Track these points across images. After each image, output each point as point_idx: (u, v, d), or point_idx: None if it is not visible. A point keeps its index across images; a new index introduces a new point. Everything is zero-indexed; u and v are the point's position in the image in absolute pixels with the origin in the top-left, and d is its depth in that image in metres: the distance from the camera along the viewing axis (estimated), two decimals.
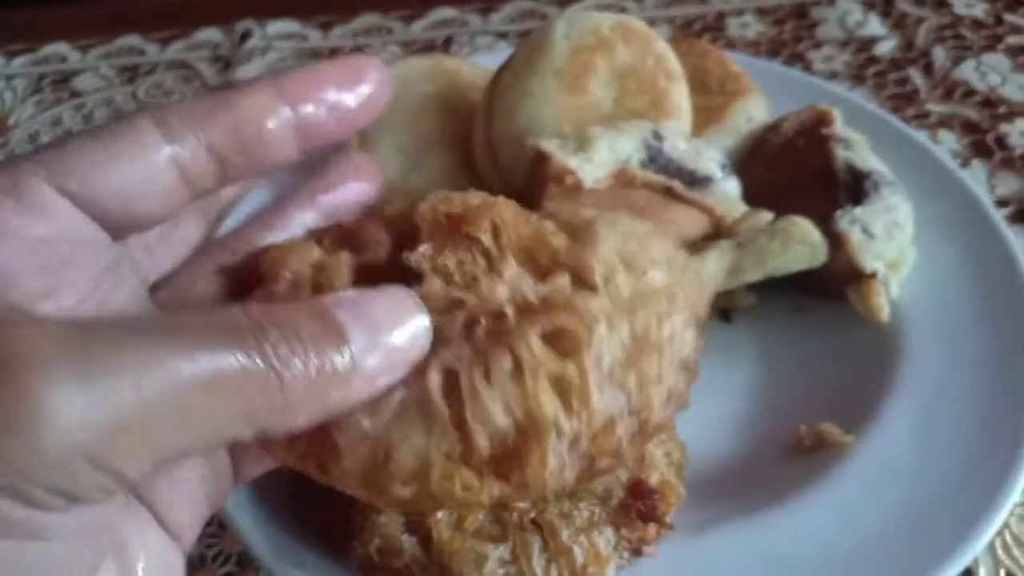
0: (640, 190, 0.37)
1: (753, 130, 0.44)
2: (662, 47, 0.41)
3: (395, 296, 0.21)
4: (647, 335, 0.23)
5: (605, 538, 0.28)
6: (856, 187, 0.39)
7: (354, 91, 0.23)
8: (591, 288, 0.22)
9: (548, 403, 0.21)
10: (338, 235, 0.24)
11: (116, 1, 0.71)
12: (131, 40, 0.67)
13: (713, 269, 0.37)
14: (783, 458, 0.35)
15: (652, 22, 0.56)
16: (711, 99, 0.44)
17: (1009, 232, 0.39)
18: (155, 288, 0.25)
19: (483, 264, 0.22)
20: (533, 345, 0.21)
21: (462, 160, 0.42)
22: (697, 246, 0.37)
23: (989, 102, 0.54)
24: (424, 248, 0.22)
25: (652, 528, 0.29)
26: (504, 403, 0.21)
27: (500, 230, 0.22)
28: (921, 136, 0.47)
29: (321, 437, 0.21)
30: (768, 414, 0.36)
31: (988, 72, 0.56)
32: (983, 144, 0.51)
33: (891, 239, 0.38)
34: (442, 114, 0.44)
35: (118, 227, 0.22)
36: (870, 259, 0.37)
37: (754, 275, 0.37)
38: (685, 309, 0.24)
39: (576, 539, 0.28)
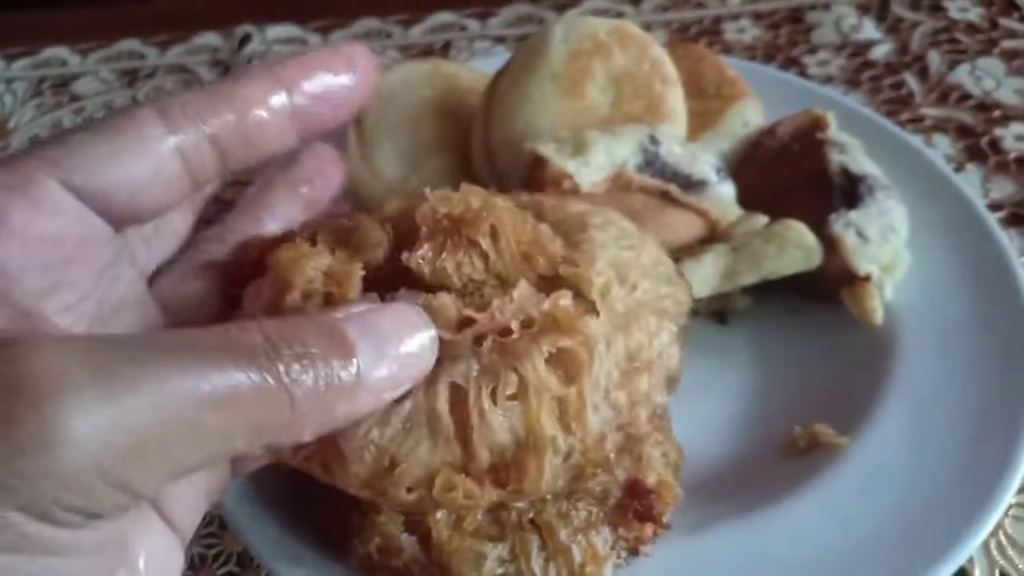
0: (636, 194, 0.37)
1: (749, 134, 0.44)
2: (658, 52, 0.42)
3: (403, 312, 0.21)
4: (639, 354, 0.23)
5: (603, 538, 0.29)
6: (851, 191, 0.39)
7: (347, 77, 0.24)
8: (589, 302, 0.23)
9: (549, 424, 0.22)
10: (335, 233, 0.24)
11: (116, 5, 0.71)
12: (131, 44, 0.68)
13: (708, 272, 0.37)
14: (778, 459, 0.35)
15: (648, 27, 0.56)
16: (707, 103, 0.44)
17: (1003, 235, 0.40)
18: (154, 278, 0.25)
19: (480, 266, 0.23)
20: (538, 367, 0.22)
21: (460, 163, 0.43)
22: (693, 249, 0.38)
23: (984, 106, 0.54)
24: (423, 250, 0.23)
25: (649, 528, 0.29)
26: (508, 422, 0.22)
27: (499, 234, 0.23)
28: (915, 140, 0.47)
29: (327, 443, 0.21)
30: (763, 415, 0.37)
31: (983, 76, 0.56)
32: (977, 148, 0.51)
33: (885, 242, 0.38)
34: (441, 118, 0.45)
35: (122, 220, 0.22)
36: (864, 262, 0.37)
37: (749, 278, 0.37)
38: (673, 322, 0.25)
39: (574, 539, 0.28)
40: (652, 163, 0.39)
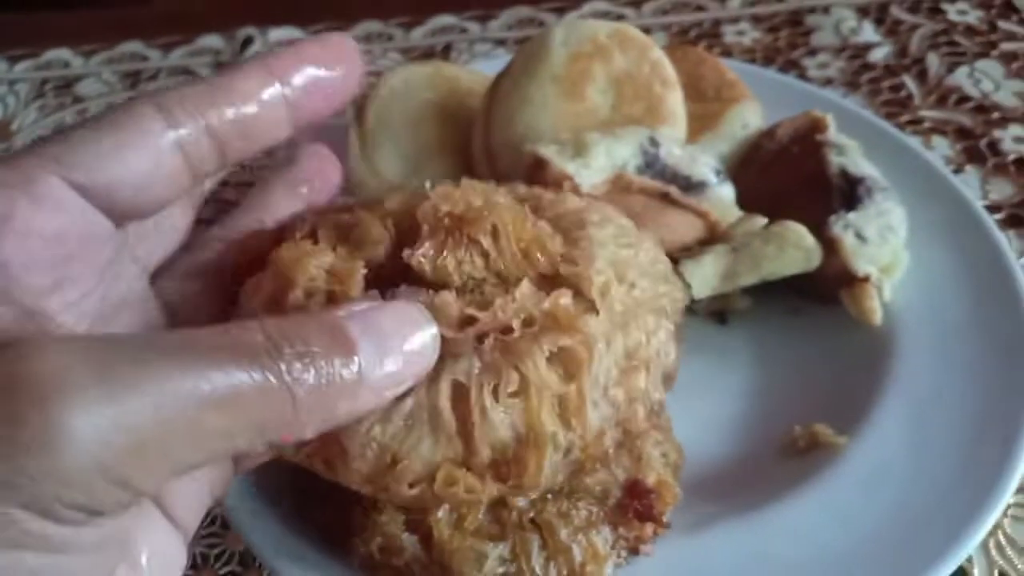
0: (636, 195, 0.38)
1: (748, 136, 0.44)
2: (658, 54, 0.42)
3: (406, 310, 0.21)
4: (637, 352, 0.24)
5: (603, 537, 0.29)
6: (850, 192, 0.39)
7: (337, 68, 0.24)
8: (589, 301, 0.23)
9: (549, 421, 0.22)
10: (336, 229, 0.24)
11: (119, 7, 0.71)
12: (133, 46, 0.68)
13: (708, 273, 0.37)
14: (778, 459, 0.35)
15: (648, 30, 0.56)
16: (706, 106, 0.44)
17: (1002, 236, 0.40)
18: (156, 276, 0.25)
19: (480, 264, 0.23)
20: (540, 366, 0.22)
21: (461, 165, 0.43)
22: (693, 250, 0.38)
23: (982, 108, 0.54)
24: (425, 248, 0.23)
25: (649, 527, 0.29)
26: (509, 418, 0.22)
27: (499, 232, 0.23)
28: (914, 142, 0.47)
29: (330, 440, 0.21)
30: (763, 415, 0.37)
31: (982, 78, 0.56)
32: (976, 150, 0.52)
33: (884, 243, 0.38)
34: (442, 120, 0.45)
35: (123, 216, 0.22)
36: (863, 263, 0.38)
37: (749, 279, 0.37)
38: (669, 320, 0.25)
39: (574, 538, 0.28)
40: (652, 165, 0.39)
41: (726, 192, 0.41)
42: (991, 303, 0.37)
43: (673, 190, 0.39)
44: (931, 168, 0.43)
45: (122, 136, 0.21)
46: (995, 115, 0.54)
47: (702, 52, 0.48)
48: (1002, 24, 0.61)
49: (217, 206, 0.52)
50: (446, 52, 0.64)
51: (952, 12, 0.62)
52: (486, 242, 0.23)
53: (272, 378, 0.18)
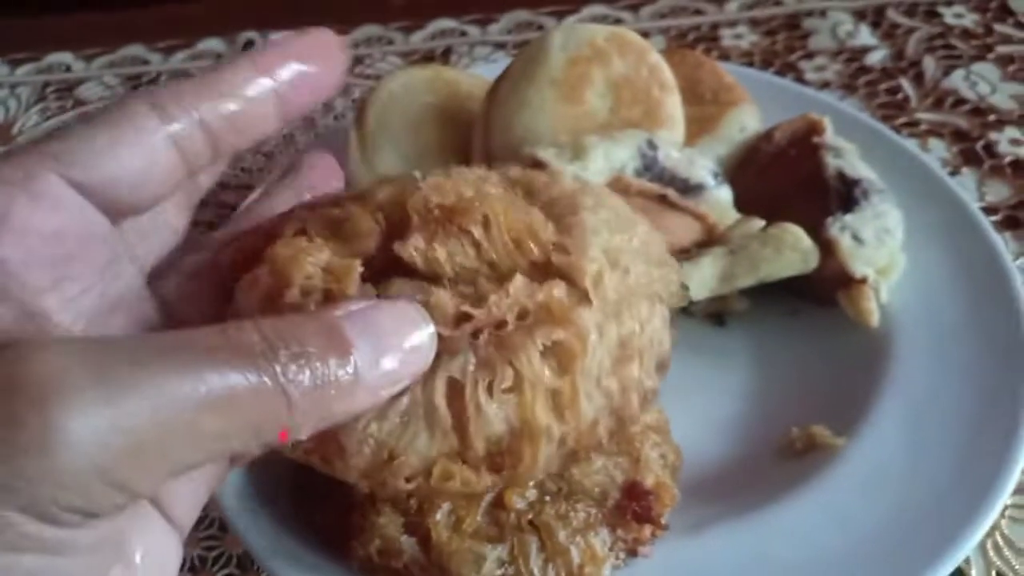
0: (635, 198, 0.38)
1: (745, 139, 0.44)
2: (656, 58, 0.42)
3: (402, 309, 0.21)
4: (631, 341, 0.24)
5: (601, 539, 0.29)
6: (846, 194, 0.39)
7: (322, 61, 0.24)
8: (582, 291, 0.23)
9: (543, 415, 0.22)
10: (323, 224, 0.24)
11: (120, 11, 0.72)
12: (135, 50, 0.68)
13: (706, 275, 0.37)
14: (776, 460, 0.35)
15: (646, 33, 0.57)
16: (704, 109, 0.45)
17: (998, 238, 0.40)
18: (156, 277, 0.25)
19: (472, 254, 0.23)
20: (533, 361, 0.22)
21: None
22: (690, 253, 0.38)
23: (979, 111, 0.54)
24: (416, 240, 0.23)
25: (647, 529, 0.30)
26: (503, 414, 0.22)
27: (491, 223, 0.23)
28: (910, 144, 0.48)
29: (327, 437, 0.21)
30: (761, 417, 0.37)
31: (978, 81, 0.57)
32: (973, 152, 0.52)
33: (881, 245, 0.38)
34: (442, 123, 0.45)
35: (120, 212, 0.22)
36: (860, 265, 0.38)
37: (747, 281, 0.38)
38: (664, 306, 0.25)
39: (573, 540, 0.28)
40: (650, 167, 0.40)
41: (724, 194, 0.41)
42: (988, 305, 0.38)
43: (671, 193, 0.39)
44: (928, 170, 0.43)
45: (117, 133, 0.21)
46: (991, 118, 0.54)
47: (700, 56, 0.48)
48: (998, 27, 0.61)
49: (217, 209, 0.52)
50: (446, 56, 0.64)
51: (948, 15, 0.63)
52: (477, 232, 0.23)
53: (268, 380, 0.18)
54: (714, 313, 0.41)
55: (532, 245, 0.23)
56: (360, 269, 0.22)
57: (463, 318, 0.21)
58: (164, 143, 0.22)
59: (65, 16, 0.72)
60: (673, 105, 0.42)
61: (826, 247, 0.38)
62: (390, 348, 0.20)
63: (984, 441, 0.33)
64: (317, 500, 0.31)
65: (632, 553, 0.30)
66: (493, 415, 0.22)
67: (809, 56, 0.60)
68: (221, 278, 0.25)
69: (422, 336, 0.21)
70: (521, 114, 0.40)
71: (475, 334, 0.22)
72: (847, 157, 0.41)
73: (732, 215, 0.41)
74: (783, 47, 0.61)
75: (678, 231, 0.38)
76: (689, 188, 0.40)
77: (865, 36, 0.62)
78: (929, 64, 0.59)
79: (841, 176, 0.40)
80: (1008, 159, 0.51)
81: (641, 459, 0.31)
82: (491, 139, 0.41)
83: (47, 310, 0.21)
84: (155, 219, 0.25)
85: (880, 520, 0.31)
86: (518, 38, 0.65)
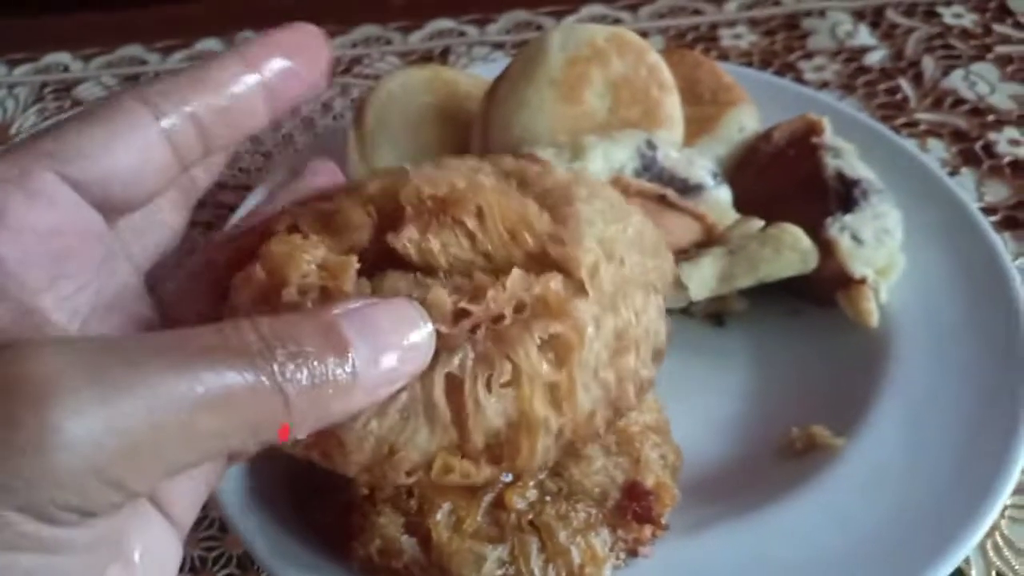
0: (634, 198, 0.38)
1: (744, 139, 0.44)
2: (655, 58, 0.42)
3: (400, 308, 0.21)
4: (627, 332, 0.24)
5: (602, 539, 0.29)
6: (846, 195, 0.39)
7: (307, 55, 0.25)
8: (578, 282, 0.23)
9: (541, 408, 0.22)
10: (315, 219, 0.24)
11: (118, 11, 0.72)
12: (133, 50, 0.68)
13: (705, 275, 0.37)
14: (775, 460, 0.35)
15: (645, 33, 0.57)
16: (703, 109, 0.45)
17: (997, 238, 0.40)
18: (153, 277, 0.25)
19: (467, 246, 0.23)
20: (531, 354, 0.22)
21: None
22: (690, 253, 0.38)
23: (978, 111, 0.55)
24: (409, 232, 0.22)
25: (648, 529, 0.30)
26: (502, 407, 0.22)
27: (485, 213, 0.23)
28: (909, 144, 0.48)
29: (327, 433, 0.21)
30: (760, 417, 0.37)
31: (977, 81, 0.57)
32: (972, 152, 0.52)
33: (880, 246, 0.38)
34: (440, 123, 0.45)
35: (116, 209, 0.23)
36: (860, 265, 0.38)
37: (746, 281, 0.38)
38: (659, 295, 0.25)
39: (573, 540, 0.28)
40: (649, 168, 0.40)
41: (723, 195, 0.41)
42: (987, 305, 0.38)
43: (670, 193, 0.39)
44: (927, 170, 0.43)
45: (111, 129, 0.21)
46: (990, 118, 0.54)
47: (699, 56, 0.48)
48: (997, 27, 0.61)
49: (215, 210, 0.52)
50: (444, 56, 0.64)
51: (947, 15, 0.63)
52: (471, 223, 0.23)
53: (265, 379, 0.18)
54: (713, 313, 0.41)
55: (527, 235, 0.23)
56: (356, 265, 0.22)
57: (461, 314, 0.21)
58: (157, 138, 0.22)
59: (63, 16, 0.72)
60: (672, 105, 0.42)
61: (825, 247, 0.38)
62: (388, 347, 0.20)
63: (984, 441, 0.33)
64: (317, 500, 0.31)
65: (632, 553, 0.30)
66: (492, 409, 0.22)
67: (808, 56, 0.60)
68: (217, 277, 0.25)
69: (420, 335, 0.21)
70: (520, 114, 0.40)
71: (473, 329, 0.22)
72: (846, 157, 0.41)
73: (731, 215, 0.41)
74: (782, 47, 0.61)
75: (677, 231, 0.38)
76: (688, 188, 0.40)
77: (864, 36, 0.62)
78: (928, 64, 0.59)
79: (840, 176, 0.40)
80: (1007, 159, 0.51)
81: (641, 459, 0.31)
82: (490, 139, 0.41)
83: (44, 308, 0.21)
84: (151, 217, 0.25)
85: (880, 520, 0.31)
86: (516, 38, 0.65)
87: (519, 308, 0.22)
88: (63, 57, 0.68)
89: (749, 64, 0.60)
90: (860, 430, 0.34)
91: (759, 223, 0.39)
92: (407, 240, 0.22)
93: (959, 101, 0.56)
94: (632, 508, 0.30)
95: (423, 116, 0.45)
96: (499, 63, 0.48)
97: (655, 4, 0.67)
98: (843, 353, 0.38)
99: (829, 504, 0.32)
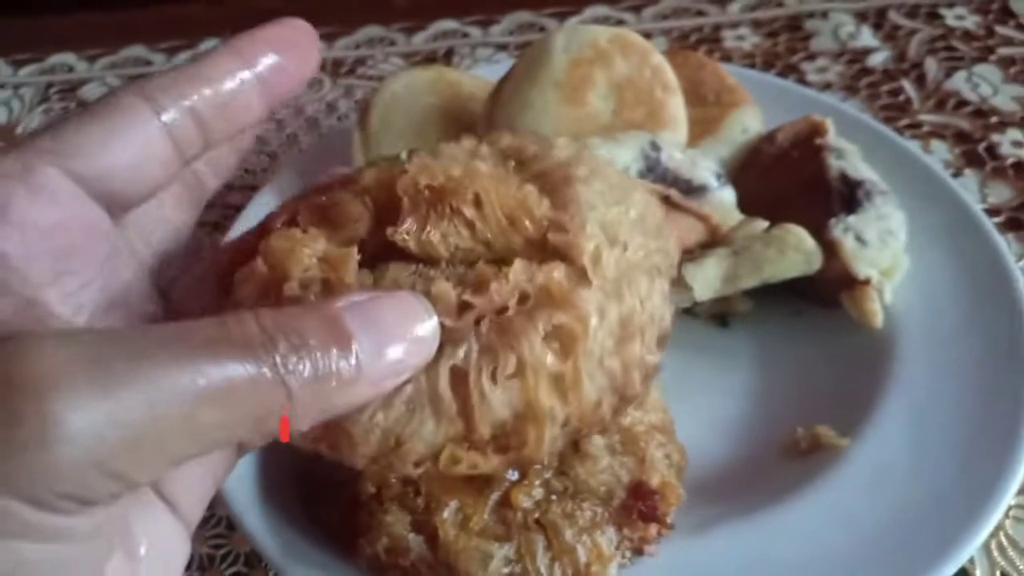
0: None
1: (748, 141, 0.45)
2: (659, 60, 0.42)
3: (405, 301, 0.21)
4: (631, 320, 0.23)
5: (607, 538, 0.29)
6: (849, 196, 0.40)
7: (298, 49, 0.25)
8: (580, 270, 0.23)
9: (546, 398, 0.22)
10: (313, 212, 0.24)
11: (122, 11, 0.72)
12: (137, 50, 0.68)
13: (709, 276, 0.37)
14: (780, 460, 0.35)
15: (648, 35, 0.57)
16: (707, 110, 0.45)
17: (1000, 239, 0.40)
18: (165, 279, 0.25)
19: (466, 234, 0.22)
20: (535, 346, 0.22)
21: None
22: (694, 254, 0.38)
23: (981, 112, 0.55)
24: (408, 224, 0.22)
25: (653, 528, 0.30)
26: (507, 398, 0.22)
27: (483, 201, 0.23)
28: (913, 146, 0.48)
29: (333, 426, 0.21)
30: (765, 417, 0.37)
31: (980, 83, 0.57)
32: (975, 154, 0.52)
33: (884, 247, 0.39)
34: (444, 124, 0.45)
35: (118, 204, 0.23)
36: (864, 266, 0.38)
37: (750, 282, 0.38)
38: (663, 279, 0.25)
39: (579, 539, 0.29)
40: (653, 169, 0.40)
41: (727, 196, 0.41)
42: (990, 306, 0.38)
43: (674, 194, 0.39)
44: (930, 172, 0.44)
45: (111, 124, 0.22)
46: (993, 119, 0.54)
47: (702, 57, 0.49)
48: (999, 29, 0.61)
49: (223, 210, 0.52)
50: (448, 56, 0.64)
51: (950, 17, 0.63)
52: (469, 212, 0.22)
53: (267, 371, 0.18)
54: (718, 314, 0.41)
55: (527, 222, 0.23)
56: (357, 257, 0.22)
57: (465, 307, 0.21)
58: (157, 132, 0.22)
59: (68, 17, 0.72)
60: (676, 106, 0.42)
61: (829, 248, 0.38)
62: (393, 340, 0.20)
63: (988, 442, 0.33)
64: (324, 498, 0.31)
65: (638, 552, 0.30)
66: (497, 401, 0.22)
67: (811, 57, 0.61)
68: (220, 275, 0.25)
69: (425, 329, 0.21)
70: (524, 116, 0.40)
71: (477, 321, 0.22)
72: (849, 159, 0.41)
73: (735, 216, 0.41)
74: (785, 48, 0.62)
75: (681, 232, 0.38)
76: (692, 189, 0.40)
77: (867, 38, 0.62)
78: (931, 66, 0.59)
79: (844, 178, 0.40)
80: (1010, 161, 0.51)
81: (646, 459, 0.31)
82: None
83: (48, 304, 0.21)
84: (157, 216, 0.25)
85: (884, 520, 0.31)
86: (520, 39, 0.65)
87: (522, 299, 0.22)
88: (68, 58, 0.68)
89: (752, 65, 0.60)
90: (864, 430, 0.35)
91: (763, 224, 0.39)
92: (406, 233, 0.22)
93: (962, 103, 0.56)
94: (637, 507, 0.30)
95: (427, 117, 0.45)
96: (503, 64, 0.49)
97: (658, 5, 0.67)
98: (847, 354, 0.38)
99: (833, 504, 0.32)
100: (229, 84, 0.23)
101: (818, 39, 0.62)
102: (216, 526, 0.37)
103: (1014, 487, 0.31)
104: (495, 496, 0.28)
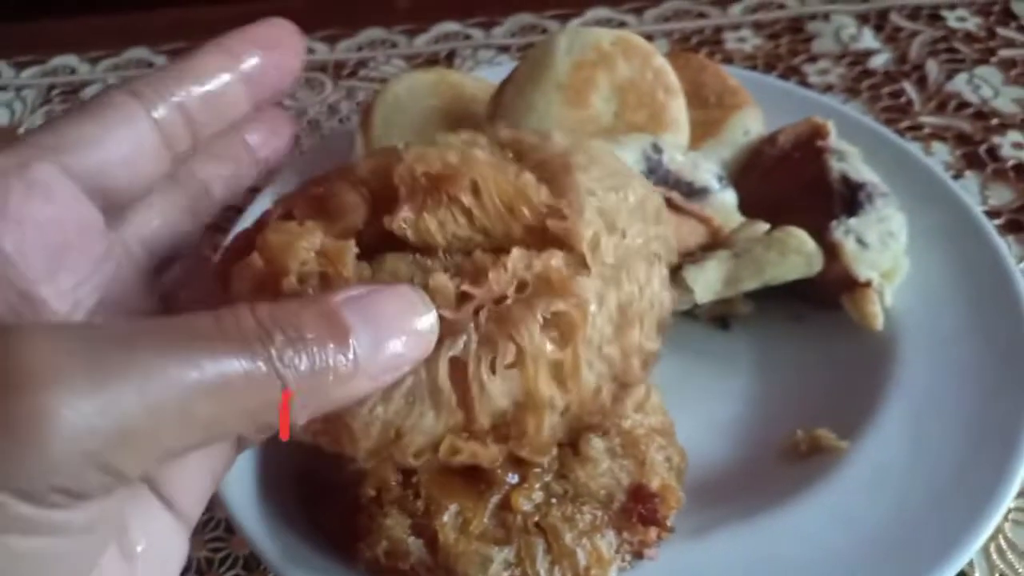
0: None
1: (750, 143, 0.45)
2: (661, 62, 0.42)
3: (403, 294, 0.21)
4: (630, 307, 0.23)
5: (607, 541, 0.29)
6: (850, 198, 0.40)
7: (284, 48, 0.26)
8: (579, 258, 0.22)
9: (546, 387, 0.22)
10: (308, 204, 0.24)
11: (124, 14, 0.72)
12: (139, 52, 0.69)
13: (710, 278, 0.37)
14: (780, 463, 0.35)
15: (650, 37, 0.57)
16: (708, 112, 0.45)
17: (1001, 242, 0.40)
18: (166, 287, 0.25)
19: (464, 222, 0.22)
20: (534, 334, 0.22)
21: None
22: (695, 256, 0.38)
23: (982, 114, 0.55)
24: (405, 212, 0.22)
25: (653, 531, 0.30)
26: (507, 388, 0.22)
27: (480, 189, 0.22)
28: (914, 148, 0.48)
29: (334, 419, 0.21)
30: (765, 420, 0.37)
31: (981, 85, 0.57)
32: (976, 156, 0.52)
33: (885, 249, 0.39)
34: (446, 126, 0.45)
35: (112, 202, 0.23)
36: (864, 268, 0.38)
37: (751, 284, 0.38)
38: (662, 266, 0.25)
39: (579, 542, 0.29)
40: (655, 171, 0.40)
41: (728, 198, 0.41)
42: (991, 308, 0.38)
43: (676, 196, 0.39)
44: (931, 174, 0.44)
45: (104, 121, 0.22)
46: (994, 121, 0.54)
47: (704, 59, 0.49)
48: (1001, 31, 0.61)
49: (224, 212, 0.52)
50: (450, 58, 0.64)
51: (951, 19, 0.63)
52: (467, 199, 0.22)
53: (263, 364, 0.18)
54: (718, 316, 0.41)
55: (525, 209, 0.22)
56: (355, 250, 0.22)
57: (464, 298, 0.21)
58: (148, 128, 0.23)
59: (70, 19, 0.72)
60: (678, 109, 0.42)
61: (830, 250, 0.38)
62: (391, 334, 0.20)
63: (987, 444, 0.33)
64: (324, 501, 0.31)
65: (638, 555, 0.30)
66: (497, 391, 0.22)
67: (812, 59, 0.61)
68: (220, 274, 0.25)
69: (424, 323, 0.21)
70: (526, 118, 0.41)
71: (475, 311, 0.21)
72: (851, 161, 0.41)
73: (736, 218, 0.41)
74: (786, 50, 0.62)
75: (683, 234, 0.38)
76: (694, 191, 0.40)
77: (868, 40, 0.62)
78: (932, 68, 0.59)
79: (845, 180, 0.40)
80: (1011, 163, 0.51)
81: (646, 462, 0.31)
82: None
83: (43, 298, 0.21)
84: (155, 221, 0.25)
85: (884, 523, 0.31)
86: (522, 41, 0.65)
87: (521, 287, 0.22)
88: (70, 59, 0.68)
89: (754, 67, 0.60)
90: (864, 433, 0.34)
91: (764, 226, 0.39)
92: (403, 221, 0.22)
93: (963, 105, 0.56)
94: (637, 510, 0.30)
95: (429, 119, 0.45)
96: (505, 66, 0.49)
97: (660, 7, 0.67)
98: (847, 356, 0.38)
99: (833, 507, 0.32)
100: (216, 82, 0.24)
101: (819, 41, 0.62)
102: (215, 529, 0.37)
103: (1013, 490, 0.31)
104: (495, 499, 0.28)
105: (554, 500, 0.29)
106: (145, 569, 0.21)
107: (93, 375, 0.17)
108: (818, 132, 0.43)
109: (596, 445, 0.30)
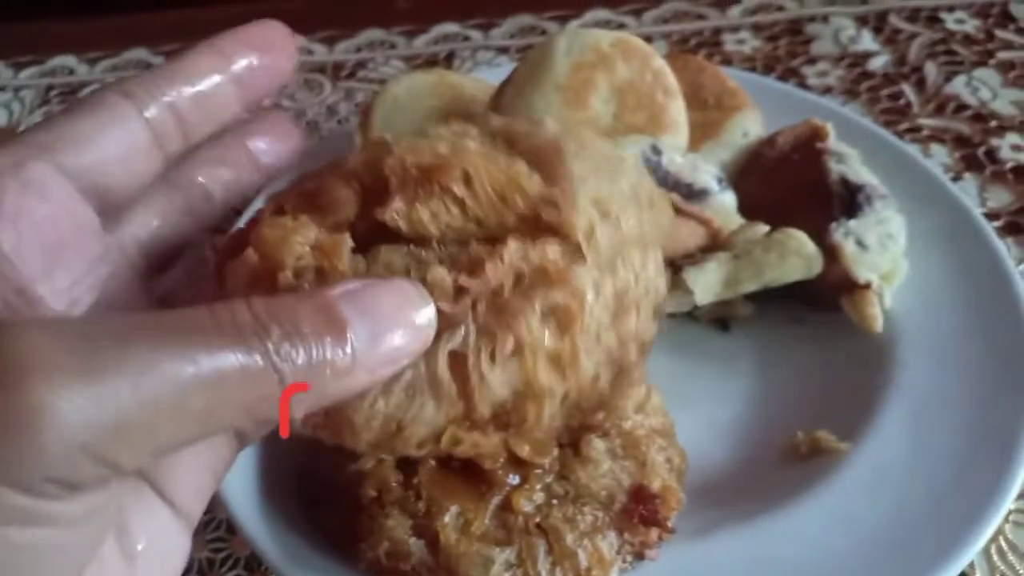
0: None
1: (749, 144, 0.45)
2: (660, 63, 0.42)
3: (401, 288, 0.21)
4: (627, 294, 0.23)
5: (608, 542, 0.29)
6: (850, 200, 0.40)
7: (275, 49, 0.26)
8: (574, 247, 0.22)
9: (545, 376, 0.22)
10: (300, 199, 0.23)
11: (123, 15, 0.72)
12: (138, 53, 0.68)
13: (710, 280, 0.38)
14: (780, 464, 0.35)
15: (649, 39, 0.57)
16: (708, 114, 0.45)
17: (1000, 243, 0.40)
18: (163, 289, 0.25)
19: (457, 212, 0.22)
20: (532, 325, 0.22)
21: None
22: (695, 257, 0.38)
23: (980, 116, 0.55)
24: (396, 203, 0.22)
25: (654, 532, 0.30)
26: (506, 378, 0.22)
27: (472, 178, 0.22)
28: (913, 150, 0.48)
29: (335, 413, 0.21)
30: (765, 421, 0.37)
31: (979, 87, 0.57)
32: (974, 158, 0.52)
33: (884, 251, 0.39)
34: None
35: (106, 201, 0.23)
36: (864, 270, 0.38)
37: (751, 286, 0.38)
38: (656, 251, 0.25)
39: (580, 543, 0.29)
40: (654, 172, 0.40)
41: (728, 200, 0.41)
42: (990, 310, 0.38)
43: (675, 198, 0.39)
44: (930, 176, 0.44)
45: (97, 122, 0.22)
46: (993, 123, 0.54)
47: (703, 61, 0.49)
48: (999, 33, 0.62)
49: (227, 216, 0.52)
50: (449, 60, 0.64)
51: (950, 21, 0.63)
52: (459, 189, 0.22)
53: (259, 358, 0.18)
54: (718, 318, 0.41)
55: (518, 198, 0.22)
56: (351, 244, 0.22)
57: (461, 291, 0.21)
58: (141, 128, 0.23)
59: (69, 20, 0.72)
60: (677, 110, 0.42)
61: (830, 252, 0.38)
62: (389, 328, 0.20)
63: (988, 446, 0.33)
64: (325, 502, 0.31)
65: (639, 556, 0.30)
66: (496, 381, 0.22)
67: (811, 61, 0.61)
68: (217, 273, 0.25)
69: (422, 316, 0.21)
70: None
71: (473, 303, 0.21)
72: (850, 163, 0.41)
73: (736, 220, 0.41)
74: (785, 52, 0.62)
75: (682, 236, 0.38)
76: (693, 193, 0.40)
77: (867, 41, 0.62)
78: (931, 70, 0.59)
79: (844, 182, 0.40)
80: (1009, 165, 0.51)
81: (647, 463, 0.31)
82: None
83: (40, 298, 0.21)
84: (152, 223, 0.25)
85: (884, 525, 0.31)
86: (521, 42, 0.65)
87: (518, 279, 0.22)
88: (69, 60, 0.68)
89: (753, 69, 0.60)
90: (864, 434, 0.35)
91: (764, 228, 0.39)
92: (395, 212, 0.22)
93: (962, 106, 0.56)
94: (638, 511, 0.30)
95: (429, 120, 0.45)
96: (504, 67, 0.49)
97: (659, 9, 0.67)
98: (847, 358, 0.38)
99: (834, 508, 0.32)
100: (207, 82, 0.24)
101: (818, 43, 0.62)
102: (216, 529, 0.37)
103: (1014, 491, 0.31)
104: (496, 500, 0.28)
105: (555, 501, 0.29)
106: (146, 568, 0.21)
107: (88, 369, 0.17)
108: (817, 134, 0.43)
109: (597, 446, 0.30)
